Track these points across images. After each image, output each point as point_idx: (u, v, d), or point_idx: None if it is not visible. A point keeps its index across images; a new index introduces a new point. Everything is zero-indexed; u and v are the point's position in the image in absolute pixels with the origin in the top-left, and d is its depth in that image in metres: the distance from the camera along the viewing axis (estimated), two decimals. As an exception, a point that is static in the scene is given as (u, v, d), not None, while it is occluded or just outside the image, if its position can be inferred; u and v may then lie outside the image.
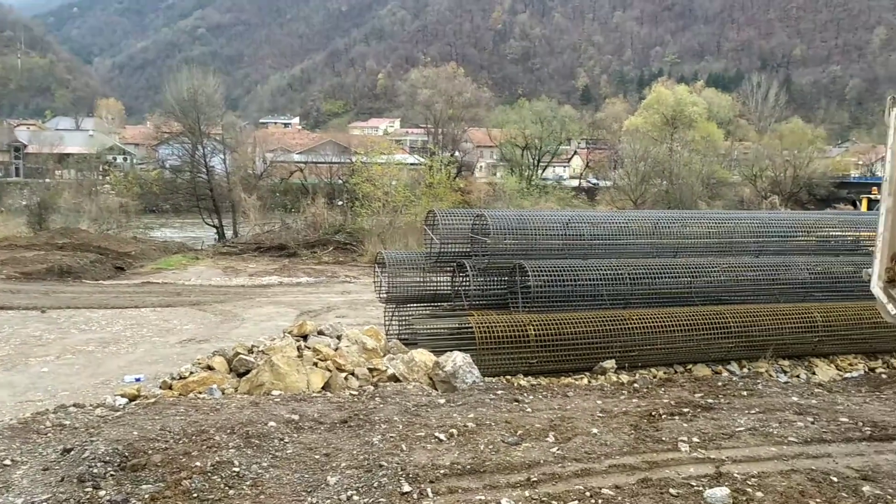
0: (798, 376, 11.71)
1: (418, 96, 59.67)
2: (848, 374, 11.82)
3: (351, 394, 8.57)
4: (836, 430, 7.43)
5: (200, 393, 8.78)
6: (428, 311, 13.26)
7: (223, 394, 8.74)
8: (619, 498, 5.68)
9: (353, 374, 9.36)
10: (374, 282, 14.08)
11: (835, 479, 6.14)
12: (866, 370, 12.08)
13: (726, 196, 55.89)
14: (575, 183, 65.58)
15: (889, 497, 5.89)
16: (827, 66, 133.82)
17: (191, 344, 14.19)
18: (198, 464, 6.00)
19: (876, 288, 6.98)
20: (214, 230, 41.30)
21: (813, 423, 7.65)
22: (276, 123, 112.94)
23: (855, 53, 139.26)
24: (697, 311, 12.18)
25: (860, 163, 76.88)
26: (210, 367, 9.59)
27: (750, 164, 61.19)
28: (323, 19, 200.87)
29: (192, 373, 9.50)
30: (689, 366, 11.99)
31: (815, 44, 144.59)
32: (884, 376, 10.15)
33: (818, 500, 5.76)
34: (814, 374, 12.07)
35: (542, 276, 11.79)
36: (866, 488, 6.01)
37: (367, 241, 29.98)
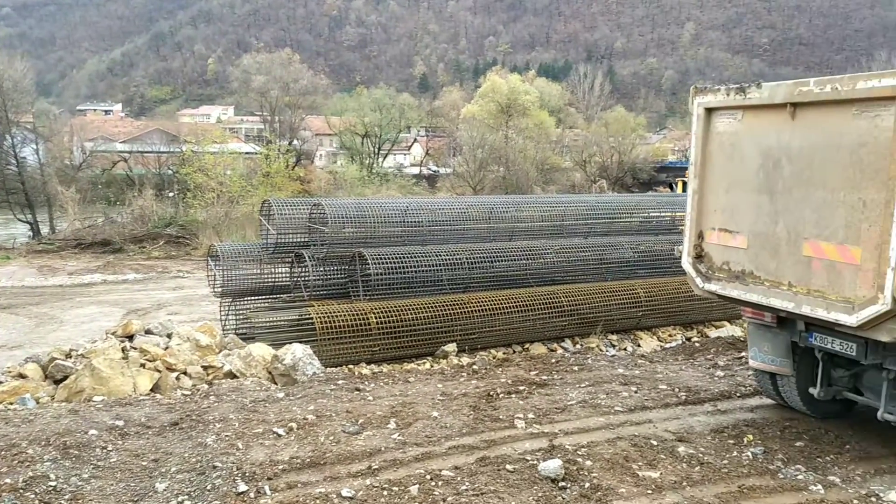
0: (625, 349, 12.45)
1: (252, 83, 57.64)
2: (668, 345, 12.72)
3: (183, 394, 8.13)
4: (657, 398, 7.95)
5: (11, 404, 7.99)
6: (267, 304, 12.86)
7: (38, 403, 8.01)
8: (459, 478, 5.75)
9: (185, 373, 8.88)
10: (208, 276, 13.46)
11: (654, 443, 6.56)
12: (683, 340, 13.04)
13: (559, 181, 58.44)
14: (416, 171, 66.15)
15: (701, 455, 6.37)
16: (645, 59, 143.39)
17: (0, 351, 12.94)
18: (8, 481, 5.46)
19: (686, 263, 7.51)
20: (28, 227, 37.94)
21: (636, 392, 8.14)
22: (95, 110, 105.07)
23: (669, 47, 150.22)
24: (533, 292, 12.65)
25: (676, 148, 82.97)
26: (22, 376, 8.77)
27: (580, 151, 64.32)
28: (145, 0, 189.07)
29: (0, 383, 8.63)
30: (527, 345, 12.44)
31: (633, 37, 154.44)
32: (697, 345, 10.99)
33: (640, 463, 6.13)
34: (639, 346, 12.89)
35: (383, 263, 11.77)
36: (681, 448, 6.48)
37: (201, 233, 28.63)
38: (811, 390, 7.35)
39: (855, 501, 5.64)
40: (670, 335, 13.72)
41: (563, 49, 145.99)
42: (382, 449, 6.35)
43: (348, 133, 58.91)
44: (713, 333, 13.39)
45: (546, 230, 14.82)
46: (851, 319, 5.84)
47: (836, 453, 6.68)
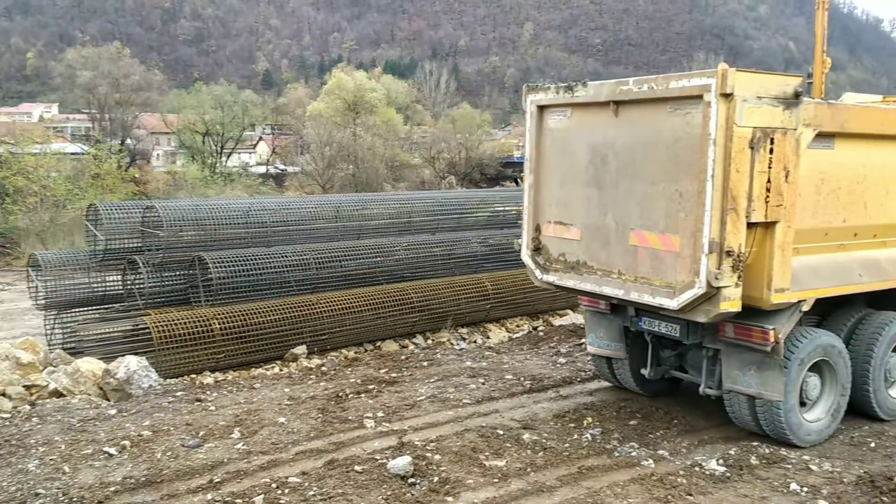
0: (475, 342, 12.70)
1: (78, 79, 53.59)
2: (515, 335, 13.11)
3: (2, 417, 7.43)
4: (503, 388, 8.18)
5: None
6: (98, 315, 12.02)
7: None
8: (306, 484, 5.64)
9: (3, 394, 8.13)
10: (29, 287, 12.41)
11: (501, 432, 6.74)
12: (530, 329, 13.49)
13: (409, 178, 58.81)
14: (262, 170, 64.29)
15: (544, 440, 6.62)
16: (488, 57, 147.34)
17: None
18: None
19: (525, 256, 7.76)
20: None
21: (484, 383, 8.33)
22: None
23: (510, 46, 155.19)
24: (383, 290, 12.62)
25: (521, 144, 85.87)
26: None
27: (428, 147, 65.04)
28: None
29: None
30: (379, 343, 12.41)
31: (476, 36, 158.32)
32: (541, 334, 11.41)
33: (487, 453, 6.27)
34: (488, 338, 13.19)
35: (225, 267, 11.33)
36: (526, 436, 6.69)
37: (23, 241, 26.31)
38: (643, 371, 7.83)
39: (681, 472, 6.05)
40: (518, 325, 14.14)
41: (409, 47, 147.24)
42: (225, 460, 6.11)
43: (188, 131, 56.24)
44: (557, 322, 13.94)
45: (394, 227, 14.86)
46: (673, 303, 6.25)
47: (665, 429, 7.14)
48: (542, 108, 7.51)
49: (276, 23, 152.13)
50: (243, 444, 6.45)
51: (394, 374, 8.73)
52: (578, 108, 7.17)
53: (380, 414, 7.25)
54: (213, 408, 7.55)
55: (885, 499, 5.55)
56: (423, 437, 6.60)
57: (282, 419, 7.07)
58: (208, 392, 8.24)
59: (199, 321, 10.51)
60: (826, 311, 7.58)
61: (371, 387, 8.16)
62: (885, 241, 7.41)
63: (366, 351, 11.89)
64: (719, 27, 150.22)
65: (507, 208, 17.15)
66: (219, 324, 10.58)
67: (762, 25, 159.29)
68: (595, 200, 7.06)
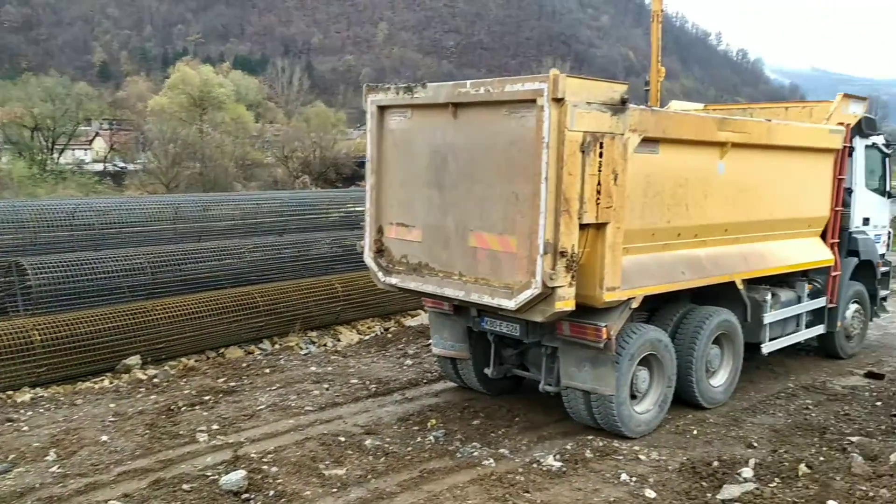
0: (325, 345, 12.44)
1: None
2: (366, 338, 12.97)
3: None
4: (348, 392, 8.03)
5: None
6: None
7: None
8: (129, 508, 5.24)
9: None
10: None
11: (343, 439, 6.59)
12: (381, 331, 13.39)
13: (261, 177, 57.14)
14: (99, 167, 60.36)
15: (386, 445, 6.54)
16: (342, 56, 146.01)
17: None
18: None
19: (367, 258, 7.65)
20: None
21: (328, 389, 8.14)
22: None
23: (365, 45, 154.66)
24: (227, 294, 12.09)
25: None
26: None
27: (281, 146, 63.54)
28: None
29: None
30: (223, 349, 11.87)
31: (330, 34, 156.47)
32: (390, 336, 11.35)
33: (327, 461, 6.11)
34: (339, 340, 12.96)
35: (47, 273, 10.44)
36: (368, 441, 6.59)
37: None
38: (486, 371, 7.94)
39: (520, 469, 6.15)
40: (369, 327, 13.99)
41: (260, 42, 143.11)
42: (37, 486, 5.58)
43: (14, 125, 51.83)
44: (409, 322, 13.93)
45: (240, 229, 14.32)
46: (511, 304, 6.35)
47: (507, 427, 7.26)
48: (382, 109, 7.43)
49: (113, 12, 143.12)
50: (59, 467, 5.92)
51: (233, 383, 8.35)
52: (418, 109, 7.15)
53: (214, 426, 6.90)
54: (26, 428, 6.90)
55: (703, 483, 5.90)
56: (261, 449, 6.33)
57: (104, 437, 6.56)
58: (22, 411, 7.53)
59: (15, 333, 9.57)
60: (655, 308, 8.00)
61: (207, 398, 7.76)
62: (705, 240, 7.91)
63: (208, 359, 11.33)
64: (566, 34, 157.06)
65: (360, 208, 16.99)
66: (39, 335, 9.70)
67: (605, 35, 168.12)
68: (436, 202, 7.05)
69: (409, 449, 6.51)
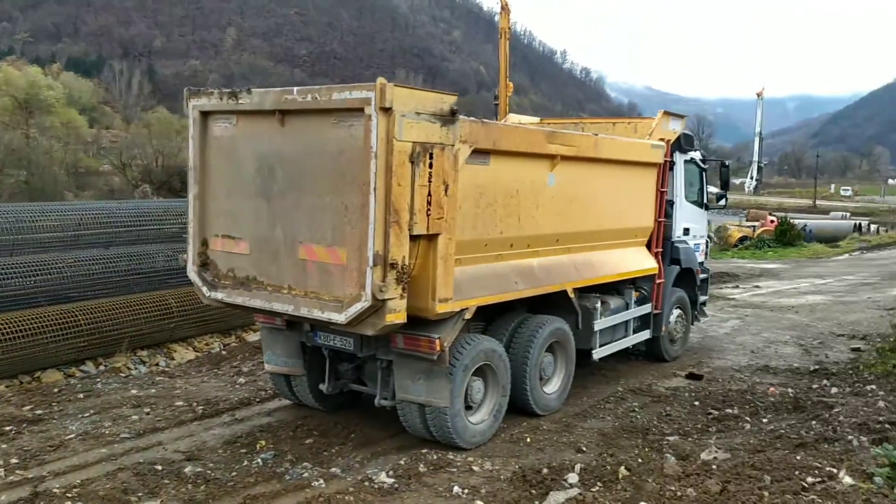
0: (157, 364, 11.68)
1: None
2: (201, 355, 12.30)
3: None
4: (171, 416, 7.52)
5: None
6: None
7: None
8: None
9: None
10: None
11: (159, 468, 6.13)
12: (220, 347, 12.76)
13: (96, 186, 53.67)
14: None
15: (209, 472, 6.14)
16: (187, 60, 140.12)
17: None
18: None
19: (191, 273, 7.21)
20: None
21: (148, 413, 7.59)
22: None
23: (212, 50, 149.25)
24: (42, 313, 11.07)
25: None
26: None
27: (119, 153, 59.94)
28: None
29: None
30: (39, 373, 10.85)
31: (174, 37, 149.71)
32: (224, 353, 10.82)
33: (140, 493, 5.65)
34: (173, 359, 12.21)
35: None
36: (188, 468, 6.16)
37: None
38: (321, 387, 7.69)
39: (351, 489, 5.95)
40: (207, 344, 13.30)
41: (96, 43, 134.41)
42: None
43: None
44: (250, 338, 13.37)
45: (59, 242, 13.17)
46: (341, 317, 6.16)
47: (341, 444, 7.05)
48: (205, 115, 7.04)
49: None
50: None
51: (40, 411, 7.60)
52: (244, 115, 6.82)
53: (13, 460, 6.22)
54: None
55: (532, 491, 5.96)
56: (66, 483, 5.76)
57: None
58: None
59: None
60: (490, 318, 8.08)
61: (8, 428, 7.01)
62: (537, 250, 8.08)
63: (21, 384, 10.31)
64: (419, 48, 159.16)
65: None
66: None
67: (457, 49, 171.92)
68: (264, 213, 6.75)
69: (234, 474, 6.15)
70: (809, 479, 4.34)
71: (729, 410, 8.26)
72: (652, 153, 9.84)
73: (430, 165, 6.27)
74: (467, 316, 6.96)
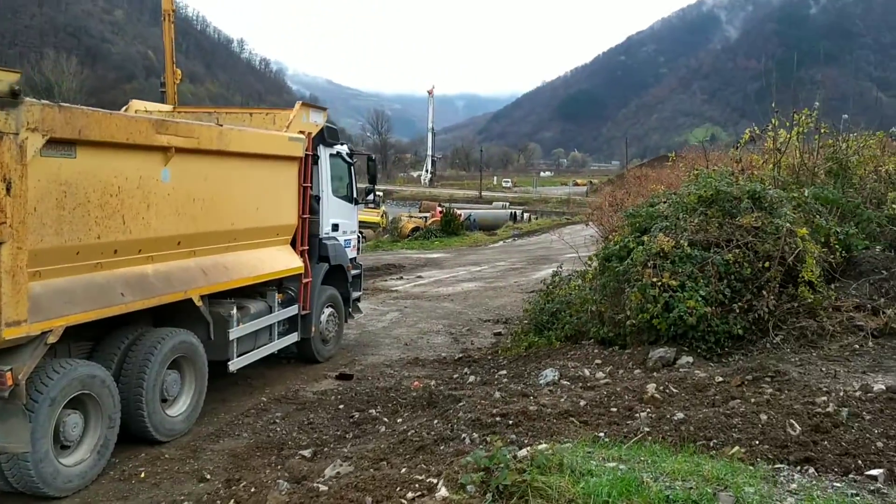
0: None
1: None
2: None
3: None
4: None
5: None
6: None
7: None
8: None
9: None
10: None
11: None
12: None
13: None
14: None
15: None
16: None
17: None
18: None
19: None
20: None
21: None
22: None
23: None
24: None
25: None
26: None
27: None
28: None
29: None
30: None
31: None
32: None
33: None
34: None
35: None
36: None
37: None
38: None
39: None
40: None
41: None
42: None
43: None
44: None
45: None
46: None
47: None
48: None
49: None
50: None
51: None
52: None
53: None
54: None
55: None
56: None
57: None
58: None
59: None
60: (99, 337, 6.93)
61: None
62: (152, 256, 7.09)
63: None
64: (74, 26, 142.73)
65: None
66: None
67: (120, 30, 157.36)
68: None
69: None
70: (409, 495, 4.05)
71: (372, 411, 8.04)
72: (290, 146, 9.32)
73: (-20, 158, 5.01)
74: (52, 339, 5.78)
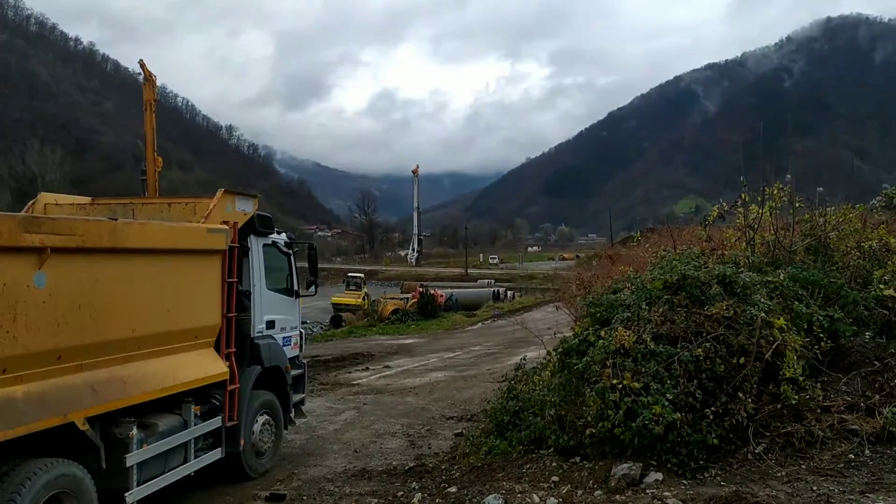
0: None
1: None
2: None
3: None
4: None
5: None
6: None
7: None
8: None
9: None
10: None
11: None
12: None
13: None
14: None
15: None
16: None
17: None
18: None
19: None
20: None
21: None
22: None
23: None
24: None
25: None
26: None
27: None
28: None
29: None
30: None
31: None
32: None
33: None
34: None
35: None
36: None
37: None
38: None
39: None
40: None
41: None
42: None
43: None
44: None
45: None
46: None
47: None
48: None
49: None
50: None
51: None
52: None
53: None
54: None
55: None
56: None
57: None
58: None
59: None
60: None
61: None
62: (21, 375, 6.01)
63: None
64: (64, 118, 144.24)
65: None
66: None
67: (109, 121, 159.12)
68: None
69: None
70: None
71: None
72: (208, 239, 8.37)
73: None
74: None
